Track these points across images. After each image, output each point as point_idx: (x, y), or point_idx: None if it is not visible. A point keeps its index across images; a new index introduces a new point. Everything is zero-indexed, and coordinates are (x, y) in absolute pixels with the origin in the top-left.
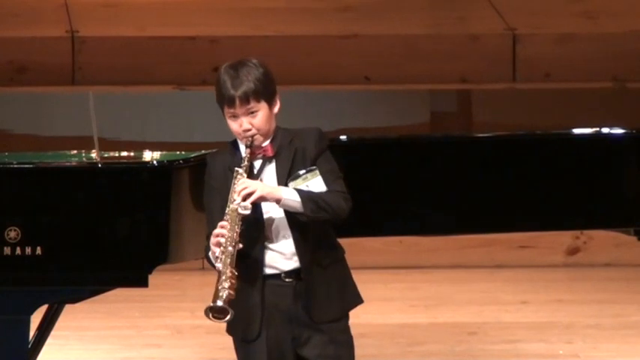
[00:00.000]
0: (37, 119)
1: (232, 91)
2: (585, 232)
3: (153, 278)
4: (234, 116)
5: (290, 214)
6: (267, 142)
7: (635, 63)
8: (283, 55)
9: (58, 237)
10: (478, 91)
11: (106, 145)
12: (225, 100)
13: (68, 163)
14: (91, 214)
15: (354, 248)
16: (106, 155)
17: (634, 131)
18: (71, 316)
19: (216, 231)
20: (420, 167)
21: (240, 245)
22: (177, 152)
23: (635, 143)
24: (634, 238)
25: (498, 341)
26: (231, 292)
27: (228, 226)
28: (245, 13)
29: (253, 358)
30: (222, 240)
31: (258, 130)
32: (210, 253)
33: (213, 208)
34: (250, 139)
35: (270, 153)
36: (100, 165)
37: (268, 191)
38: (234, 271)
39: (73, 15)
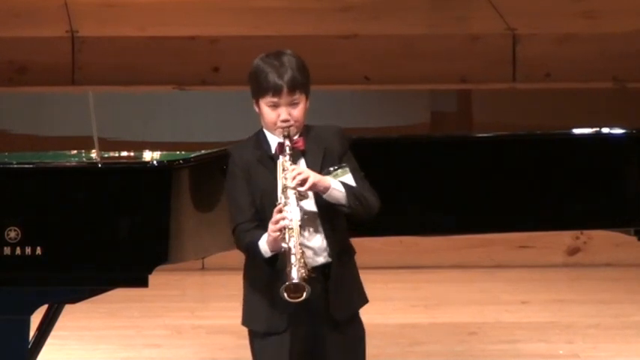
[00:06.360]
0: (37, 119)
1: (279, 80)
2: (585, 232)
3: (153, 278)
4: (275, 105)
5: (323, 209)
6: (297, 136)
7: (635, 63)
8: None
9: (58, 237)
10: (478, 91)
11: (106, 145)
12: (269, 89)
13: (68, 163)
14: (90, 214)
15: (355, 248)
16: (106, 155)
17: (634, 131)
18: (71, 316)
19: (278, 216)
20: (420, 167)
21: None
22: (177, 152)
23: (635, 143)
24: (634, 238)
25: (498, 341)
26: (304, 270)
27: (290, 209)
28: (245, 13)
29: (277, 351)
30: (287, 222)
31: (296, 121)
32: (264, 242)
33: (239, 196)
34: (287, 130)
35: (301, 146)
36: (100, 165)
37: (319, 179)
38: (303, 250)
39: (73, 15)
